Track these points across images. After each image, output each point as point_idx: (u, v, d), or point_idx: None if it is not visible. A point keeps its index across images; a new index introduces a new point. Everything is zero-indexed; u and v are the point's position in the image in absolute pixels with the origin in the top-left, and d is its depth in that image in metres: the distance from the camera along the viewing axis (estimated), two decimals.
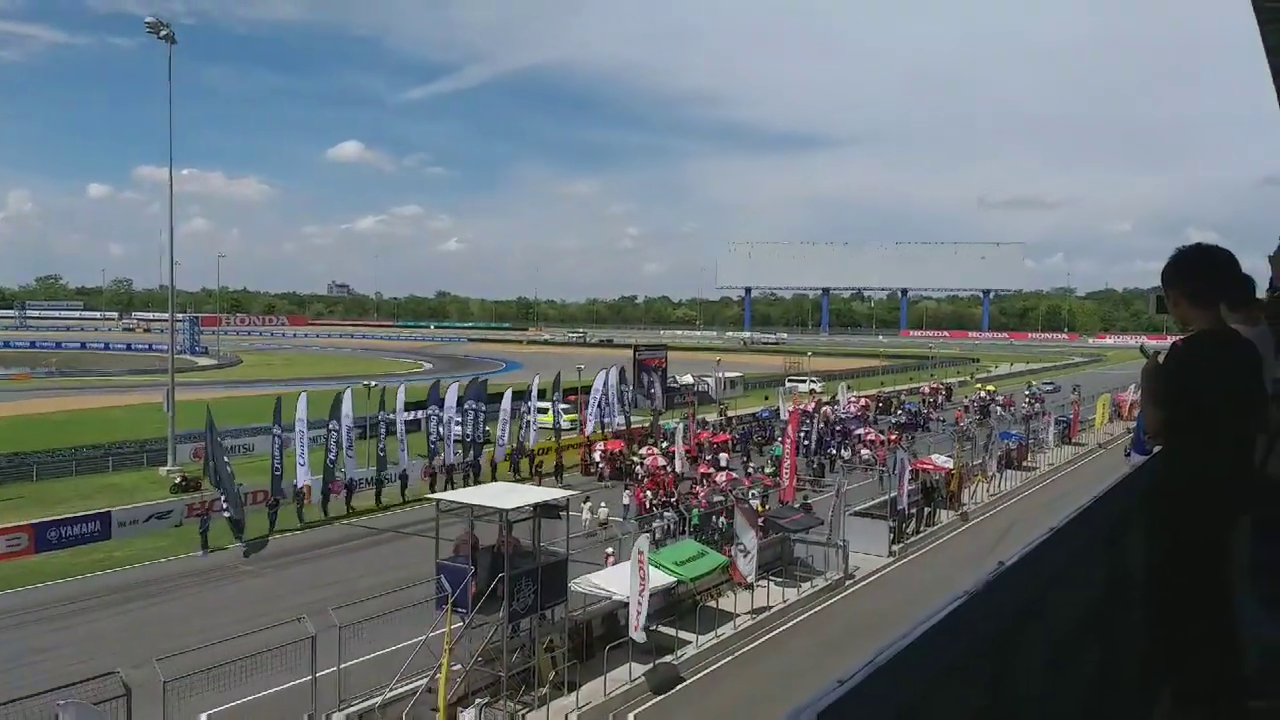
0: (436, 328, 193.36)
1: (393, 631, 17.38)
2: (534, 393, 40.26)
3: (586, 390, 45.00)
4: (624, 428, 44.74)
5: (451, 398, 36.73)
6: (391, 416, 34.92)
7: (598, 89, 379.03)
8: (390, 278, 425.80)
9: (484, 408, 37.83)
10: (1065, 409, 54.46)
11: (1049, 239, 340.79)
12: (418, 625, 17.42)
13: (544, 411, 41.99)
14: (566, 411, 44.39)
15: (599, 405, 43.16)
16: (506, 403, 38.18)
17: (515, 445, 38.34)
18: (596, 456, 39.66)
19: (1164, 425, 3.10)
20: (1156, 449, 3.28)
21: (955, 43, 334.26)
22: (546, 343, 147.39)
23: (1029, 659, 2.29)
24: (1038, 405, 60.10)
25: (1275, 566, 3.59)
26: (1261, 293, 4.09)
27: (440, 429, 35.88)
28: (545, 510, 18.34)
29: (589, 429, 42.38)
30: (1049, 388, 74.07)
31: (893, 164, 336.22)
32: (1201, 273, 3.11)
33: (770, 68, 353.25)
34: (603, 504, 30.08)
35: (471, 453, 36.70)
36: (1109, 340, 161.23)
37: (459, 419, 36.73)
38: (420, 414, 37.68)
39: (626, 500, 31.02)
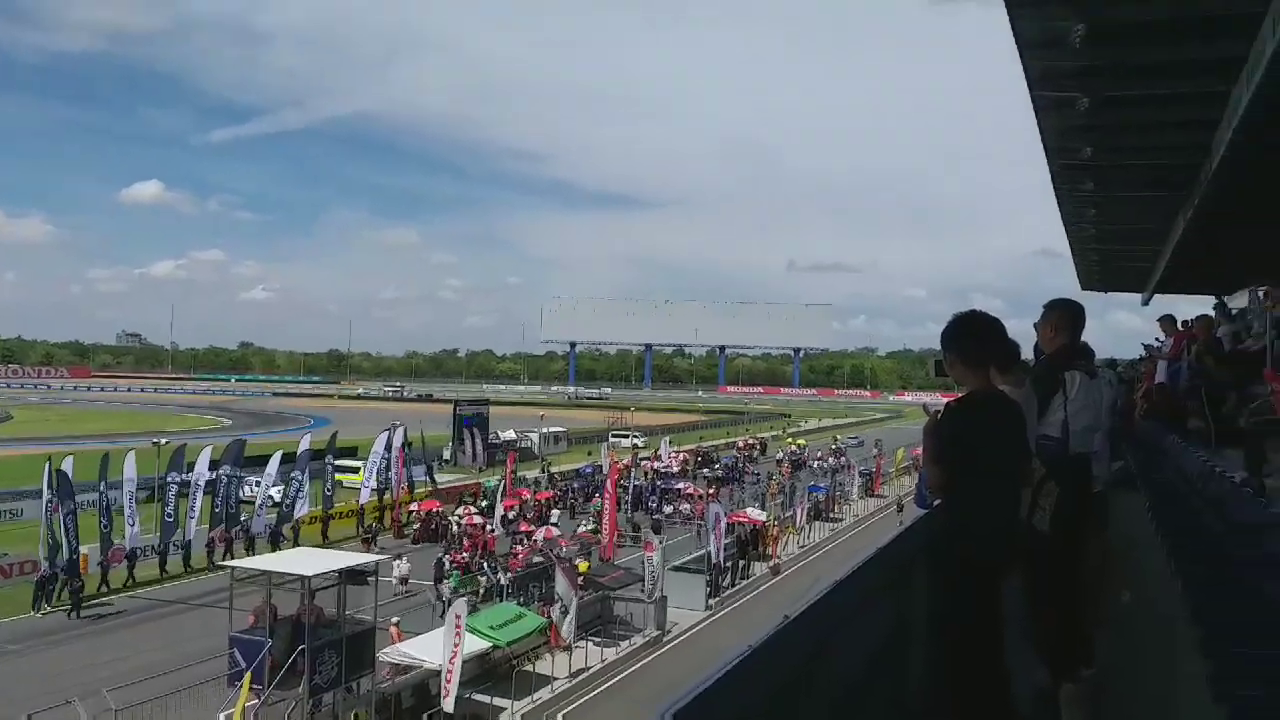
0: (238, 380, 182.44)
1: (180, 713, 15.89)
2: (303, 454, 35.73)
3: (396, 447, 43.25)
4: (408, 487, 41.75)
5: (203, 463, 32.77)
6: (176, 478, 31.46)
7: (419, 139, 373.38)
8: (188, 327, 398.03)
9: (240, 473, 33.71)
10: (868, 462, 57.65)
11: (853, 302, 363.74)
12: (208, 705, 16.03)
13: (354, 471, 40.13)
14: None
15: (378, 467, 39.26)
16: (273, 466, 34.70)
17: (278, 513, 34.11)
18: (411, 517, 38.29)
19: (941, 480, 3.29)
20: (936, 502, 3.46)
21: (766, 113, 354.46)
22: (360, 397, 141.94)
23: (817, 703, 2.30)
24: (843, 459, 63.31)
25: (1044, 614, 3.84)
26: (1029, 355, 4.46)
27: (183, 498, 31.58)
28: (351, 576, 17.44)
29: (365, 494, 38.75)
30: (853, 442, 78.13)
31: (711, 226, 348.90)
32: (974, 338, 3.34)
33: (590, 129, 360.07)
34: (405, 560, 28.98)
35: (224, 523, 32.17)
36: (907, 397, 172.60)
37: (208, 484, 32.51)
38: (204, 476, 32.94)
39: (447, 563, 29.92)
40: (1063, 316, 4.20)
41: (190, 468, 32.79)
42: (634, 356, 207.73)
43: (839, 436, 79.65)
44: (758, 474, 57.27)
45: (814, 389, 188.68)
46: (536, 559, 29.24)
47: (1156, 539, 5.74)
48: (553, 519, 37.44)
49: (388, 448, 40.18)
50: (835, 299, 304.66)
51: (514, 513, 38.11)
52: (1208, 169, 16.54)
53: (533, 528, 34.79)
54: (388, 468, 39.80)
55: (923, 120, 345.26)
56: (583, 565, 28.12)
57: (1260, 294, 19.02)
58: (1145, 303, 37.36)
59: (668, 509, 42.54)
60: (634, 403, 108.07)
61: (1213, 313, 17.41)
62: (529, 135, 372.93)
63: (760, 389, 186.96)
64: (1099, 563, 4.74)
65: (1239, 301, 22.80)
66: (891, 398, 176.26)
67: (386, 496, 39.62)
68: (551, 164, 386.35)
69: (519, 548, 31.69)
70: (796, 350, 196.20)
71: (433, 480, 44.36)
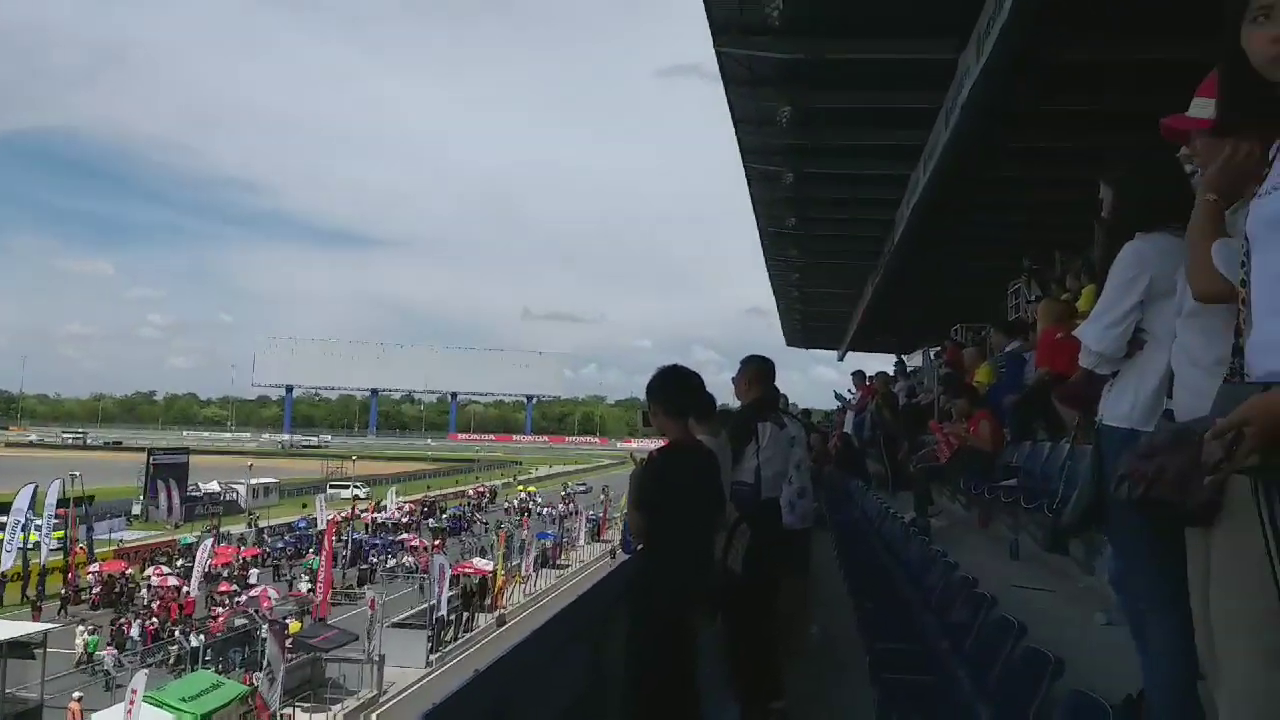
0: None
1: None
2: None
3: (77, 503, 38.10)
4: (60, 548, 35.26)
5: None
6: None
7: (121, 162, 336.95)
8: None
9: None
10: (596, 508, 58.80)
11: (584, 351, 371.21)
12: None
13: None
14: (58, 528, 37.15)
15: (21, 526, 32.77)
16: None
17: None
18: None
19: (641, 526, 3.38)
20: (640, 547, 3.54)
21: (508, 162, 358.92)
22: (33, 444, 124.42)
23: None
24: (572, 505, 64.08)
25: (740, 652, 4.04)
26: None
27: None
28: (14, 649, 15.10)
29: (8, 560, 32.16)
30: (582, 488, 79.38)
31: (447, 270, 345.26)
32: (675, 390, 3.51)
33: (319, 162, 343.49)
34: (90, 628, 25.61)
35: None
36: (634, 444, 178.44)
37: None
38: None
39: (136, 632, 26.52)
40: (756, 372, 4.53)
41: None
42: (358, 402, 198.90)
43: (569, 483, 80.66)
44: (486, 523, 56.54)
45: (545, 436, 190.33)
46: (239, 621, 26.86)
47: (841, 575, 6.28)
48: (250, 578, 34.60)
49: (33, 504, 34.02)
50: (567, 347, 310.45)
51: (222, 572, 34.86)
52: (891, 242, 18.78)
53: (234, 588, 32.00)
54: (24, 526, 33.29)
55: (653, 181, 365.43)
56: (294, 626, 26.24)
57: (931, 354, 21.73)
58: (840, 359, 41.55)
59: (391, 562, 40.81)
60: (356, 451, 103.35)
61: (893, 370, 19.63)
62: (250, 165, 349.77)
63: (492, 436, 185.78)
64: (793, 599, 5.07)
65: (916, 360, 25.91)
66: (619, 444, 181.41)
67: (34, 560, 33.04)
68: (275, 196, 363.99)
69: (219, 610, 28.98)
70: (529, 397, 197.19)
71: (90, 545, 37.96)
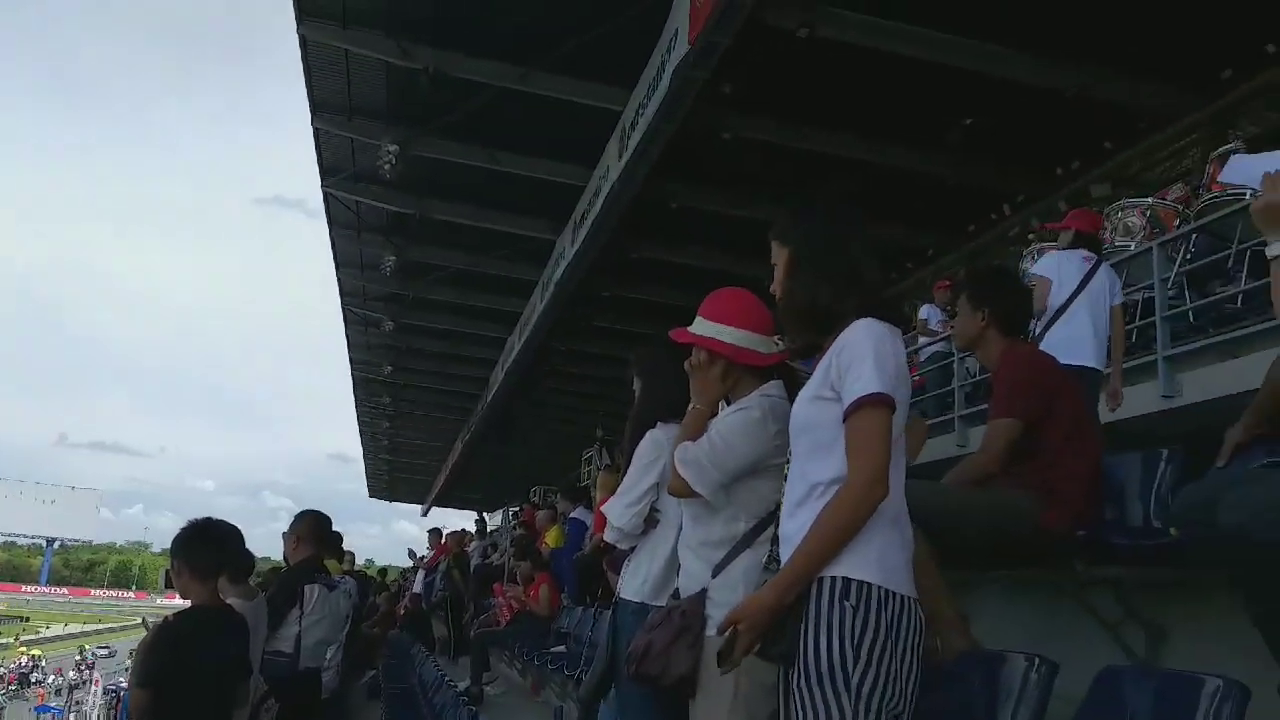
0: None
1: None
2: None
3: None
4: None
5: None
6: None
7: None
8: None
9: None
10: (119, 676, 50.47)
11: (130, 489, 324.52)
12: None
13: None
14: None
15: None
16: None
17: None
18: None
19: (143, 704, 2.92)
20: None
21: (56, 267, 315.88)
22: None
23: None
24: (89, 673, 54.55)
25: None
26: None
27: None
28: None
29: None
30: (104, 652, 68.35)
31: None
32: (204, 548, 3.16)
33: None
34: None
35: None
36: (176, 600, 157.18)
37: None
38: None
39: None
40: (308, 527, 4.26)
41: None
42: None
43: (87, 645, 68.99)
44: None
45: (66, 588, 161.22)
46: None
47: None
48: None
49: None
50: (110, 483, 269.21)
51: None
52: (484, 400, 19.29)
53: None
54: None
55: (238, 309, 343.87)
56: None
57: (511, 514, 22.23)
58: (424, 514, 40.97)
59: None
60: None
61: (474, 528, 19.73)
62: None
63: None
64: None
65: (497, 520, 26.32)
66: (161, 600, 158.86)
67: None
68: None
69: None
70: (50, 540, 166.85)
71: None
